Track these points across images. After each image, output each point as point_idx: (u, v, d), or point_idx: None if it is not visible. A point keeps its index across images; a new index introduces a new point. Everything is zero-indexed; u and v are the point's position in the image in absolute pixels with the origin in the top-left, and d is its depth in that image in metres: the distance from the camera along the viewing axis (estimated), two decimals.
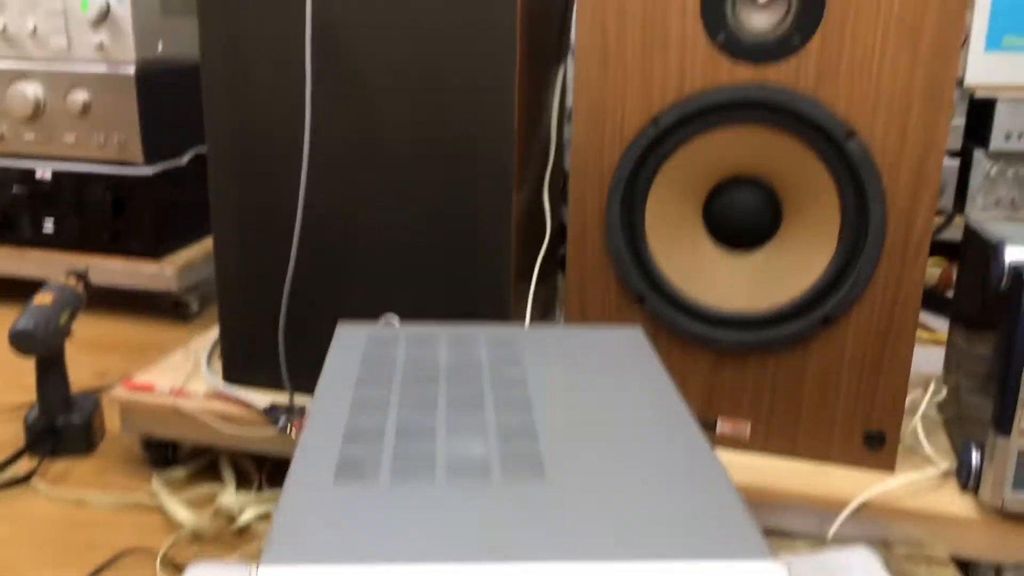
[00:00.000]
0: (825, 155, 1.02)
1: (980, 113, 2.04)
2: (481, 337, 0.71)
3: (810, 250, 1.07)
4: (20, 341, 1.28)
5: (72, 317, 1.36)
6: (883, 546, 0.74)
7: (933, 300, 1.98)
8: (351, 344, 0.69)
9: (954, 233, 2.01)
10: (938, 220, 2.09)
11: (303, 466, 0.51)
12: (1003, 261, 0.98)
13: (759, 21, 1.01)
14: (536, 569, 0.41)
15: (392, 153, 1.15)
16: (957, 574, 0.72)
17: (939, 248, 2.11)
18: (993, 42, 2.11)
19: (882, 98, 0.99)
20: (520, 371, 0.65)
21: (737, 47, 1.02)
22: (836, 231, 1.06)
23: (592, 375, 0.64)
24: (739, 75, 1.02)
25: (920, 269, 1.03)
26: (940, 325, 1.87)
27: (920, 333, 1.79)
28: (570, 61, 1.35)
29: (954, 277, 1.96)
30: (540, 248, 1.27)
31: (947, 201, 2.13)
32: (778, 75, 1.01)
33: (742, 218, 1.09)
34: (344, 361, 0.65)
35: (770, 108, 1.02)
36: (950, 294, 1.98)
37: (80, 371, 1.63)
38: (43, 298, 1.33)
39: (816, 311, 1.07)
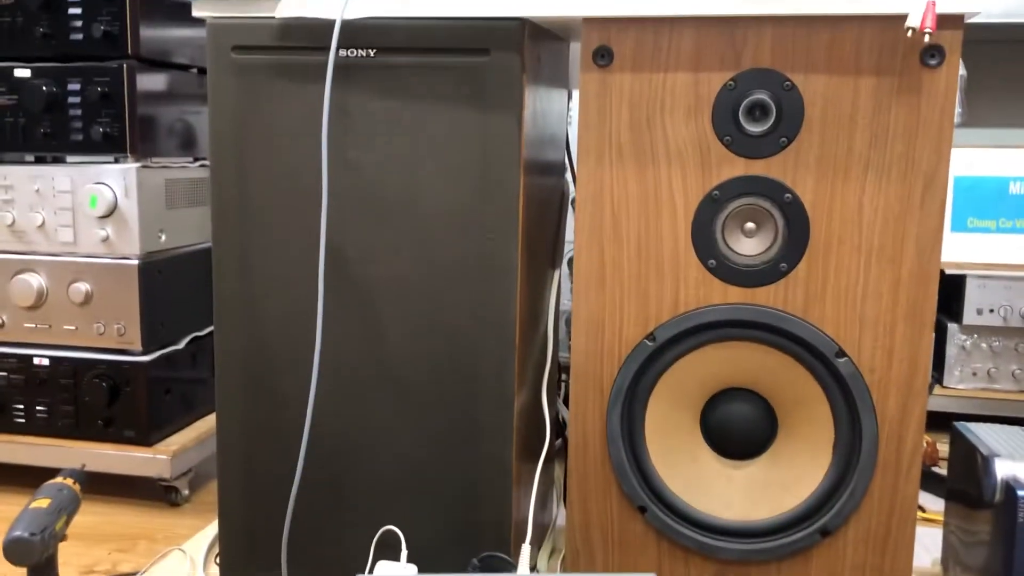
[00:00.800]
0: (816, 372, 1.07)
1: (951, 289, 2.12)
2: None
3: (806, 461, 1.10)
4: (16, 551, 1.26)
5: (68, 522, 1.35)
6: None
7: (928, 478, 2.00)
8: None
9: (933, 403, 2.06)
10: None
11: None
12: (995, 475, 1.02)
13: (747, 248, 1.08)
14: None
15: (396, 367, 1.19)
16: None
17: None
18: (958, 224, 2.23)
19: (868, 320, 1.05)
20: None
21: (727, 272, 1.07)
22: (831, 443, 1.09)
23: None
24: (731, 295, 1.08)
25: (914, 483, 1.06)
26: (926, 501, 1.89)
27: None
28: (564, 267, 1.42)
29: (938, 451, 1.99)
30: (540, 448, 1.29)
31: None
32: (768, 297, 1.07)
33: (738, 429, 1.12)
34: None
35: (761, 327, 1.07)
36: (936, 469, 2.00)
37: (68, 567, 1.61)
38: (40, 503, 1.32)
39: (815, 522, 1.09)
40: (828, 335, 1.05)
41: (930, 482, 1.99)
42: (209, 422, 2.02)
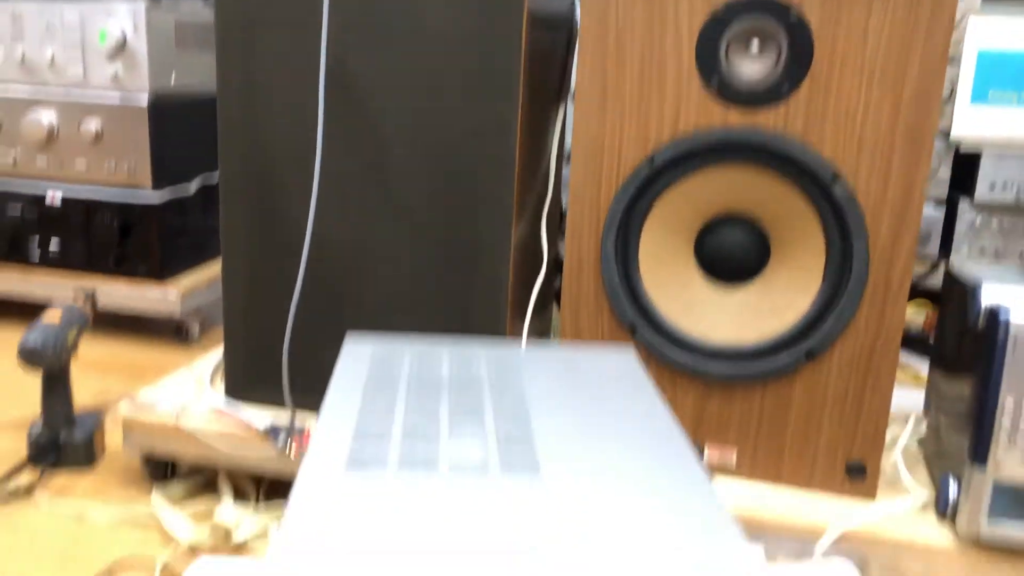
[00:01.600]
0: (812, 196, 1.08)
1: (965, 164, 2.10)
2: (481, 354, 0.76)
3: (796, 287, 1.12)
4: (29, 357, 1.31)
5: (78, 336, 1.40)
6: (859, 564, 0.78)
7: (918, 343, 2.02)
8: (359, 356, 0.73)
9: (939, 280, 2.07)
10: (924, 268, 2.15)
11: (317, 457, 0.54)
12: (979, 302, 1.03)
13: (750, 69, 1.07)
14: (526, 559, 0.45)
15: (398, 185, 1.20)
16: None
17: (925, 294, 2.16)
18: (979, 95, 2.19)
19: (866, 143, 1.05)
20: (518, 385, 0.69)
21: (729, 92, 1.07)
22: (821, 269, 1.10)
23: (586, 389, 0.69)
24: (731, 118, 1.08)
25: (900, 309, 1.08)
26: (925, 367, 1.92)
27: (904, 375, 1.84)
28: (570, 103, 1.41)
29: (933, 340, 2.01)
30: (536, 279, 1.32)
31: (933, 249, 2.18)
32: (768, 119, 1.07)
33: (732, 254, 1.14)
34: (353, 371, 0.69)
35: (760, 150, 1.07)
36: (931, 341, 2.02)
37: (82, 391, 1.67)
38: (52, 316, 1.37)
39: (801, 345, 1.11)
40: (826, 158, 1.06)
41: (925, 348, 2.01)
42: (220, 267, 2.05)
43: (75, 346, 1.39)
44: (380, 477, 0.52)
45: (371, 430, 0.58)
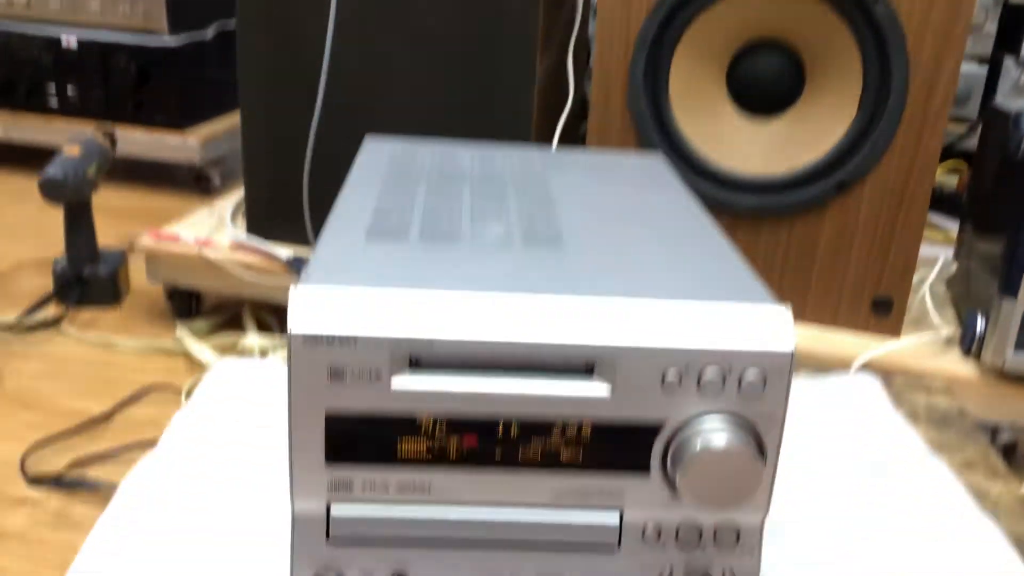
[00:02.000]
0: (851, 17, 1.03)
1: (1013, 20, 2.01)
2: (505, 153, 0.73)
3: (830, 116, 1.08)
4: (50, 189, 1.30)
5: (99, 171, 1.39)
6: (882, 377, 0.77)
7: (951, 204, 1.98)
8: (378, 153, 0.72)
9: (976, 143, 2.01)
10: (962, 128, 2.08)
11: (335, 227, 0.53)
12: (1022, 130, 0.99)
13: None
14: (557, 301, 0.44)
15: (418, 13, 1.16)
16: (954, 403, 0.75)
17: (960, 155, 2.10)
18: None
19: None
20: (542, 178, 0.67)
21: None
22: (857, 97, 1.06)
23: (613, 184, 0.67)
24: None
25: (938, 137, 1.04)
26: (952, 226, 1.88)
27: (936, 234, 1.80)
28: None
29: (967, 185, 1.96)
30: (561, 115, 1.28)
31: (972, 110, 2.11)
32: None
33: (765, 82, 1.10)
34: (372, 164, 0.68)
35: None
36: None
37: (106, 234, 1.67)
38: (72, 149, 1.35)
39: (832, 176, 1.09)
40: None
41: (957, 208, 1.97)
42: (239, 119, 2.02)
43: (96, 181, 1.38)
44: (401, 246, 0.51)
45: (391, 209, 0.57)
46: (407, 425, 0.45)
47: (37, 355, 1.28)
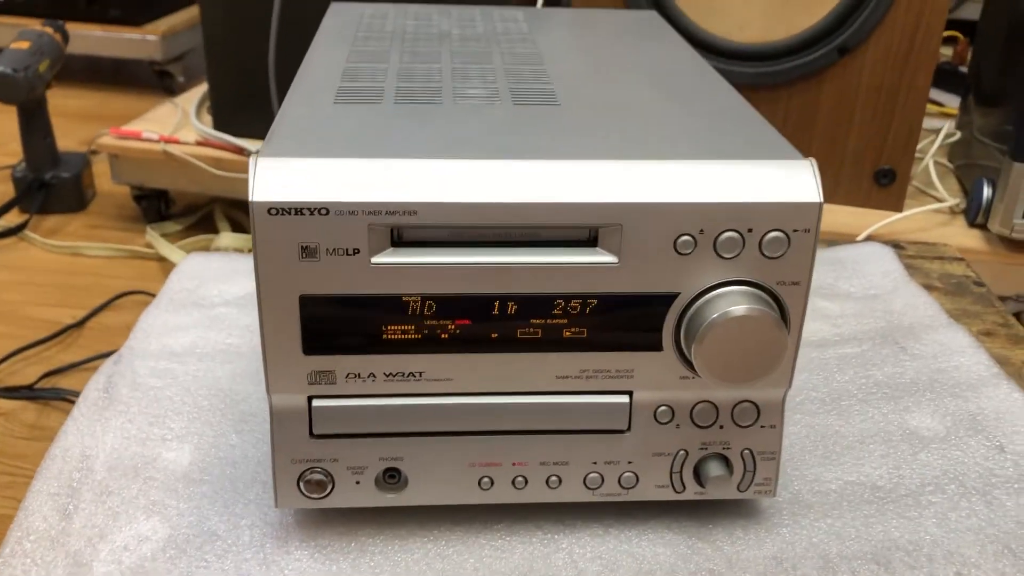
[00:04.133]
0: None
1: None
2: (486, 12, 0.67)
3: None
4: (0, 86, 1.22)
5: (52, 68, 1.30)
6: (893, 247, 0.73)
7: (947, 77, 1.91)
8: (346, 13, 0.65)
9: (971, 11, 1.93)
10: None
11: (299, 92, 0.47)
12: None
13: None
14: (555, 165, 0.39)
15: None
16: (969, 270, 0.71)
17: (955, 25, 2.03)
18: None
19: None
20: (530, 35, 0.61)
21: None
22: None
23: (608, 40, 0.60)
24: None
25: None
26: (954, 102, 1.82)
27: (931, 108, 1.74)
28: None
29: (969, 54, 1.89)
30: None
31: None
32: None
33: None
34: (338, 27, 0.61)
35: None
36: (963, 68, 1.92)
37: (67, 138, 1.59)
38: (20, 44, 1.27)
39: (833, 41, 1.02)
40: None
41: (955, 82, 1.91)
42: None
43: (49, 78, 1.30)
44: (375, 110, 0.45)
45: (362, 72, 0.51)
46: (392, 307, 0.40)
47: (2, 264, 1.23)
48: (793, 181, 0.40)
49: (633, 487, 0.45)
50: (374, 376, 0.42)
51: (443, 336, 0.41)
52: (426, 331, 0.41)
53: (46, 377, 0.98)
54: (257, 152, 0.39)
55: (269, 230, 0.38)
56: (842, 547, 0.45)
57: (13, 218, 1.32)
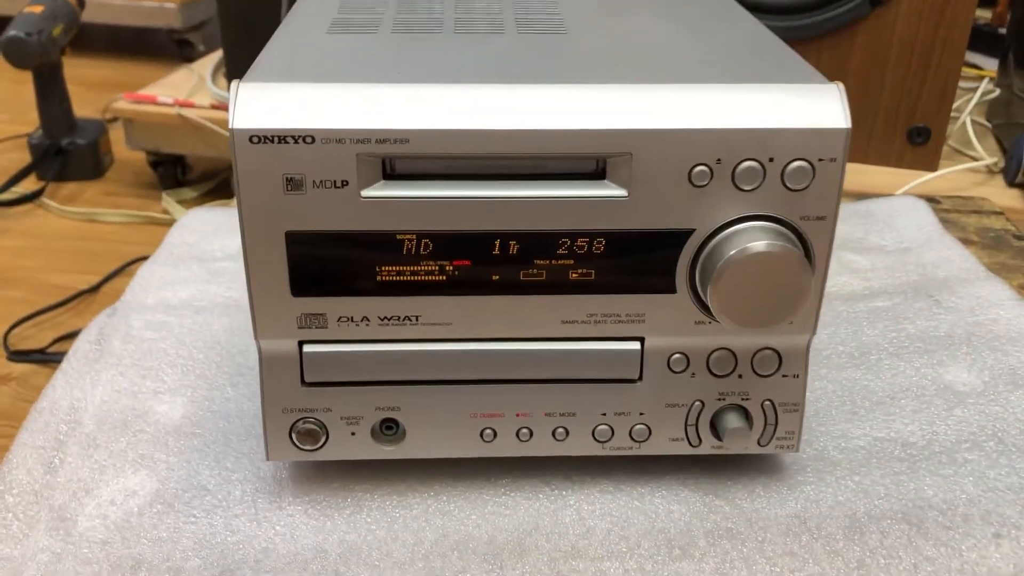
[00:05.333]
0: None
1: None
2: None
3: None
4: (13, 50, 1.21)
5: (66, 33, 1.29)
6: (928, 201, 0.69)
7: (986, 39, 1.85)
8: None
9: None
10: None
11: (292, 23, 0.45)
12: None
13: None
14: (560, 91, 0.36)
15: None
16: (1009, 224, 0.68)
17: None
18: None
19: None
20: None
21: None
22: None
23: None
24: None
25: None
26: (992, 65, 1.76)
27: (968, 71, 1.68)
28: None
29: (1008, 15, 1.82)
30: None
31: None
32: None
33: None
34: None
35: None
36: (1003, 31, 1.85)
37: (86, 106, 1.57)
38: (33, 8, 1.25)
39: None
40: None
41: (994, 44, 1.84)
42: None
43: (64, 43, 1.28)
44: (370, 39, 0.42)
45: (361, 2, 0.48)
46: (385, 244, 0.38)
47: (18, 231, 1.22)
48: (818, 106, 0.37)
49: (645, 440, 0.42)
50: (368, 320, 0.39)
51: (440, 277, 0.39)
52: (422, 272, 0.38)
53: (58, 341, 0.97)
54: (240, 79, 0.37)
55: (251, 160, 0.36)
56: (871, 506, 0.42)
57: (30, 185, 1.31)
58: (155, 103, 1.20)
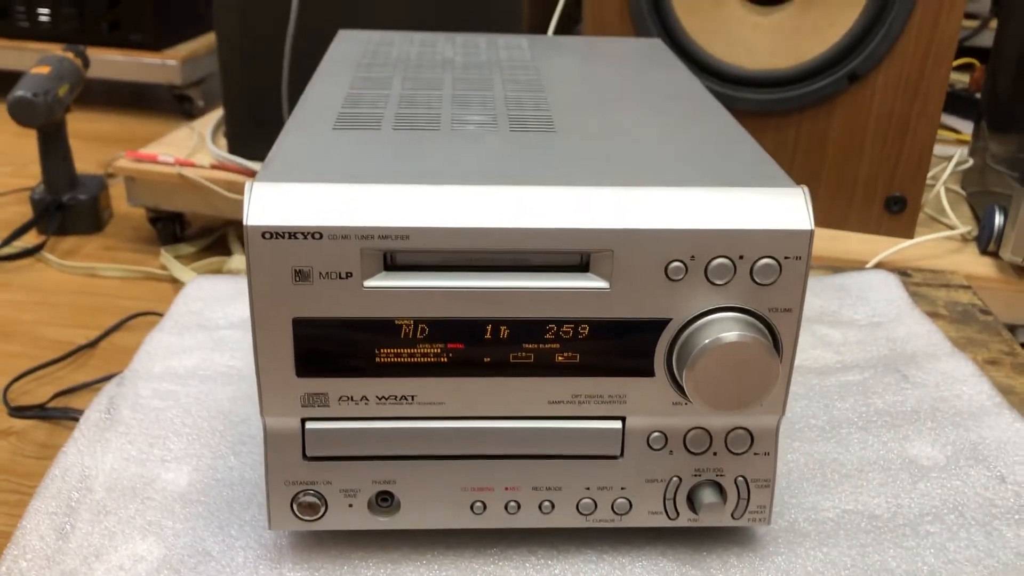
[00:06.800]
0: None
1: None
2: (491, 39, 0.68)
3: (839, 1, 1.01)
4: (20, 110, 1.24)
5: (72, 91, 1.32)
6: (899, 275, 0.73)
7: (963, 104, 1.90)
8: (351, 42, 0.66)
9: (988, 39, 1.92)
10: (973, 24, 2.00)
11: (299, 118, 0.48)
12: None
13: None
14: (548, 192, 0.39)
15: None
16: (976, 299, 0.71)
17: (971, 52, 2.02)
18: None
19: None
20: (532, 61, 0.61)
21: None
22: None
23: (610, 67, 0.61)
24: None
25: (956, 20, 0.97)
26: (969, 129, 1.81)
27: (946, 134, 1.74)
28: None
29: (983, 81, 1.88)
30: (554, 12, 1.21)
31: (984, 4, 2.03)
32: None
33: None
34: (343, 55, 0.62)
35: None
36: (979, 96, 1.91)
37: (86, 161, 1.61)
38: (41, 69, 1.29)
39: (843, 67, 1.02)
40: None
41: (971, 109, 1.90)
42: None
43: (68, 102, 1.32)
44: (373, 136, 0.46)
45: (363, 98, 0.52)
46: (385, 330, 0.41)
47: (18, 285, 1.24)
48: (784, 208, 0.40)
49: (626, 513, 0.45)
50: (367, 399, 0.42)
51: (435, 360, 0.42)
52: (419, 355, 0.41)
53: (57, 397, 0.99)
54: (254, 177, 0.40)
55: (263, 254, 0.39)
56: None
57: (31, 239, 1.33)
58: (156, 162, 1.23)
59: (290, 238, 0.39)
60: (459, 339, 0.41)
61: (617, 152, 0.45)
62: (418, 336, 0.41)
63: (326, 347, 0.41)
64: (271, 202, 0.39)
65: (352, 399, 0.42)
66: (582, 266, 0.41)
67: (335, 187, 0.39)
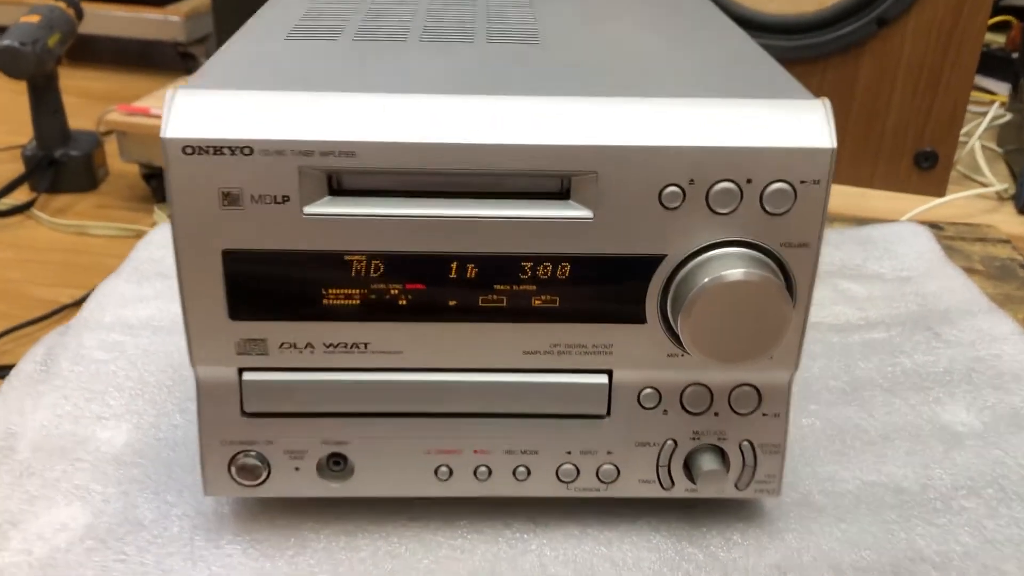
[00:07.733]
0: None
1: None
2: None
3: None
4: (7, 59, 1.19)
5: (63, 42, 1.27)
6: (932, 227, 0.66)
7: (999, 63, 1.81)
8: None
9: None
10: None
11: (248, 30, 0.42)
12: None
13: None
14: (524, 103, 0.33)
15: None
16: (1016, 253, 0.64)
17: (1008, 10, 1.93)
18: None
19: None
20: None
21: None
22: None
23: None
24: None
25: None
26: (1005, 90, 1.73)
27: (980, 95, 1.65)
28: None
29: (1021, 39, 1.79)
30: None
31: None
32: None
33: None
34: None
35: None
36: (1016, 55, 1.82)
37: (85, 118, 1.56)
38: (30, 18, 1.24)
39: (871, 11, 0.95)
40: None
41: (1007, 69, 1.81)
42: None
43: (59, 53, 1.27)
44: (326, 45, 0.40)
45: (326, 12, 0.46)
46: (331, 266, 0.35)
47: (8, 242, 1.20)
48: (801, 123, 0.34)
49: (613, 481, 0.39)
50: (312, 347, 0.37)
51: (392, 302, 0.36)
52: (372, 296, 0.36)
53: None
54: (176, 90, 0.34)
55: (185, 172, 0.33)
56: (857, 557, 0.39)
57: (22, 195, 1.29)
58: (148, 115, 1.18)
59: (215, 153, 0.33)
60: (419, 278, 0.36)
61: (608, 64, 0.39)
62: (371, 274, 0.35)
63: (263, 285, 0.35)
64: (195, 112, 0.33)
65: (295, 346, 0.36)
66: (562, 192, 0.35)
67: (270, 95, 0.34)
